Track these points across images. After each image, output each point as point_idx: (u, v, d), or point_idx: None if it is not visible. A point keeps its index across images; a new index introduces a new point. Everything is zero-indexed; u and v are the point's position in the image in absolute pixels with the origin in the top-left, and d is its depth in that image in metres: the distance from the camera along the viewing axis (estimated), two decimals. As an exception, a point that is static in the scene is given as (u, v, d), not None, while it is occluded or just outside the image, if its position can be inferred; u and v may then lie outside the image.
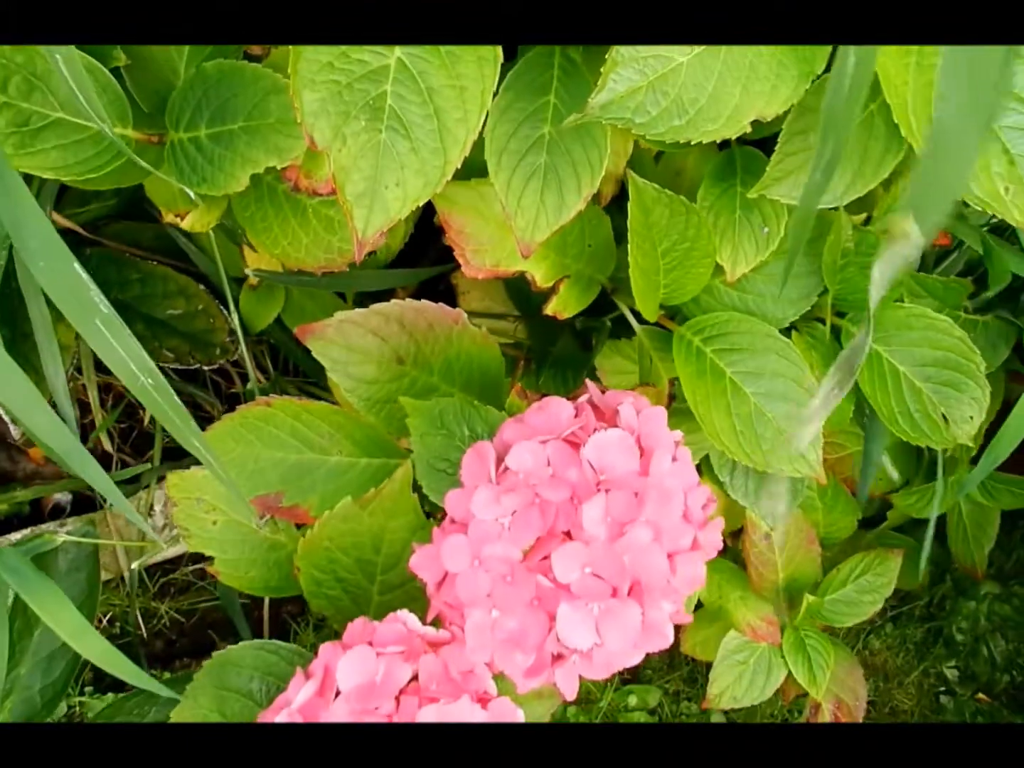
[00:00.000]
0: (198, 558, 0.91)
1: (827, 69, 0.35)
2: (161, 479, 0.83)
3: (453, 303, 0.66)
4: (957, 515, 0.70)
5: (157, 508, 0.85)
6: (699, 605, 0.69)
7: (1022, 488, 0.64)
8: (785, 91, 0.34)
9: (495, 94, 0.39)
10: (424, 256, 0.70)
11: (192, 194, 0.42)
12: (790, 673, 0.65)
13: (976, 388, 0.48)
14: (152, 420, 0.85)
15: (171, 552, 0.89)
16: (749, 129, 0.35)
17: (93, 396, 0.79)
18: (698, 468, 0.60)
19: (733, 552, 0.71)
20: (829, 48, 0.35)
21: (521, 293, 0.64)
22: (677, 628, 0.77)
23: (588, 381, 0.42)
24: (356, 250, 0.30)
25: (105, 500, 0.83)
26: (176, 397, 0.37)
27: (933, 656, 0.85)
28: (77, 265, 0.34)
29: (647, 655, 0.40)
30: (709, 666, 0.68)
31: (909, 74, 0.33)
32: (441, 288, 0.71)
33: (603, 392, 0.42)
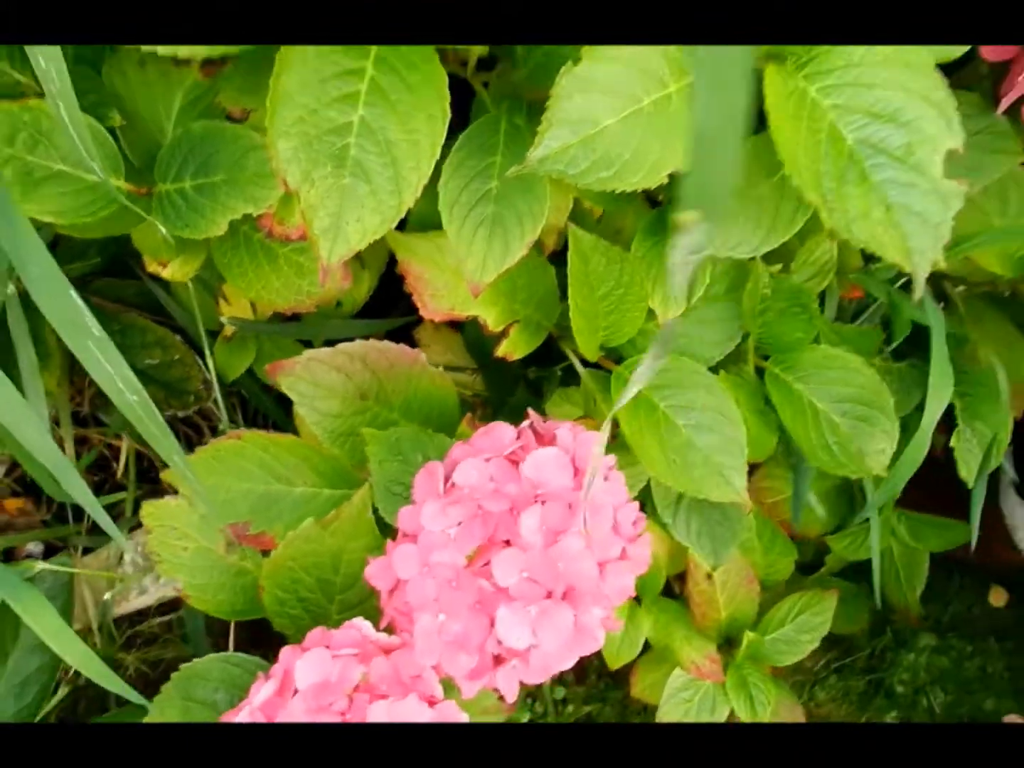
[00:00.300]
0: (166, 609, 0.93)
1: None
2: (132, 529, 0.86)
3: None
4: (889, 558, 0.74)
5: (127, 557, 0.87)
6: (648, 647, 0.72)
7: (945, 529, 0.69)
8: (667, 163, 0.40)
9: (448, 154, 0.45)
10: (392, 310, 0.75)
11: (174, 240, 0.47)
12: (733, 710, 0.68)
13: (887, 422, 0.52)
14: (125, 471, 0.87)
15: (139, 603, 0.90)
16: (666, 180, 0.40)
17: (69, 449, 0.82)
18: (643, 509, 0.64)
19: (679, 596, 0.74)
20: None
21: (478, 346, 0.69)
22: (628, 670, 0.80)
23: (530, 410, 0.46)
24: (320, 275, 0.34)
25: (77, 549, 0.86)
26: (159, 413, 0.41)
27: (875, 707, 0.88)
28: (73, 292, 0.38)
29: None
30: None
31: (800, 139, 0.39)
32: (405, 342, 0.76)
33: (544, 421, 0.46)
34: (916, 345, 0.58)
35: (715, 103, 0.18)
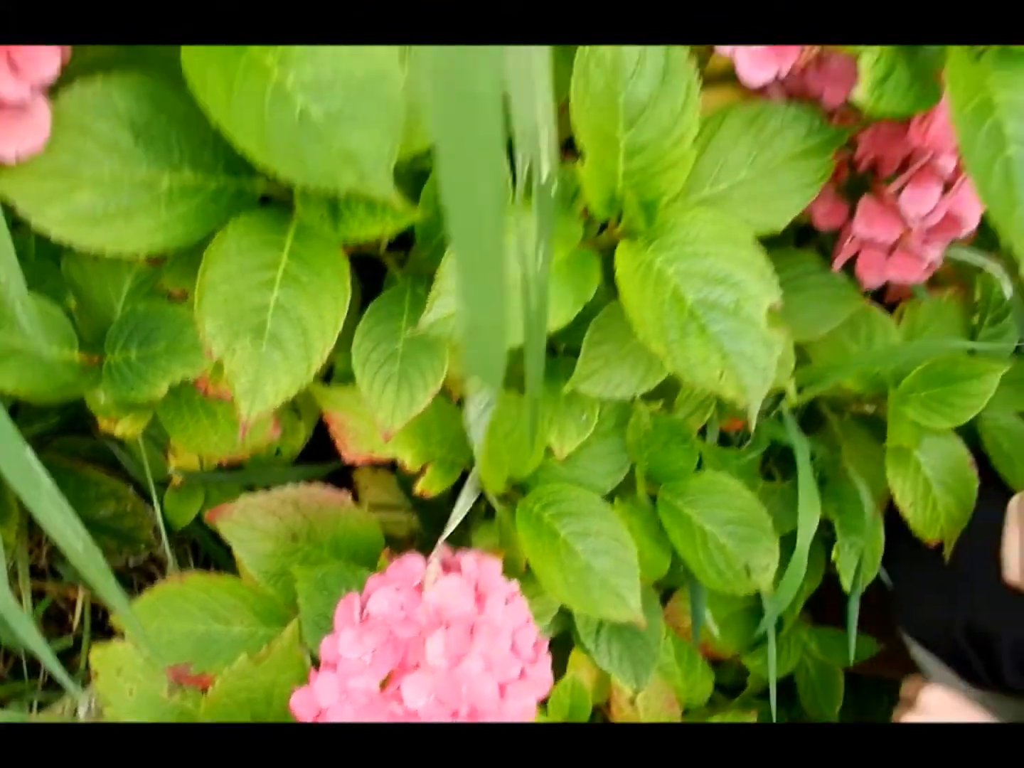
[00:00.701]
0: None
1: (594, 298, 0.49)
2: (87, 683, 0.88)
3: (355, 498, 0.76)
4: (805, 675, 0.78)
5: (81, 711, 0.88)
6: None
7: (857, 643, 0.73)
8: (565, 311, 0.48)
9: (361, 319, 0.52)
10: (332, 453, 0.81)
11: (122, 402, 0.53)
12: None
13: (768, 541, 0.58)
14: (80, 623, 0.90)
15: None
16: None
17: (27, 600, 0.85)
18: (568, 638, 0.68)
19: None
20: (596, 281, 0.49)
21: (409, 486, 0.75)
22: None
23: (441, 542, 0.51)
24: (241, 431, 0.41)
25: (32, 704, 0.87)
26: (103, 560, 0.46)
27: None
28: (28, 451, 0.44)
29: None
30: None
31: (647, 301, 0.47)
32: (344, 486, 0.81)
33: (454, 554, 0.52)
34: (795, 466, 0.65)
35: (478, 306, 0.24)
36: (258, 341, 0.42)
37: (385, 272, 0.57)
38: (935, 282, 0.74)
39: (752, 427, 0.44)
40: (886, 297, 0.70)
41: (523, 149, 0.30)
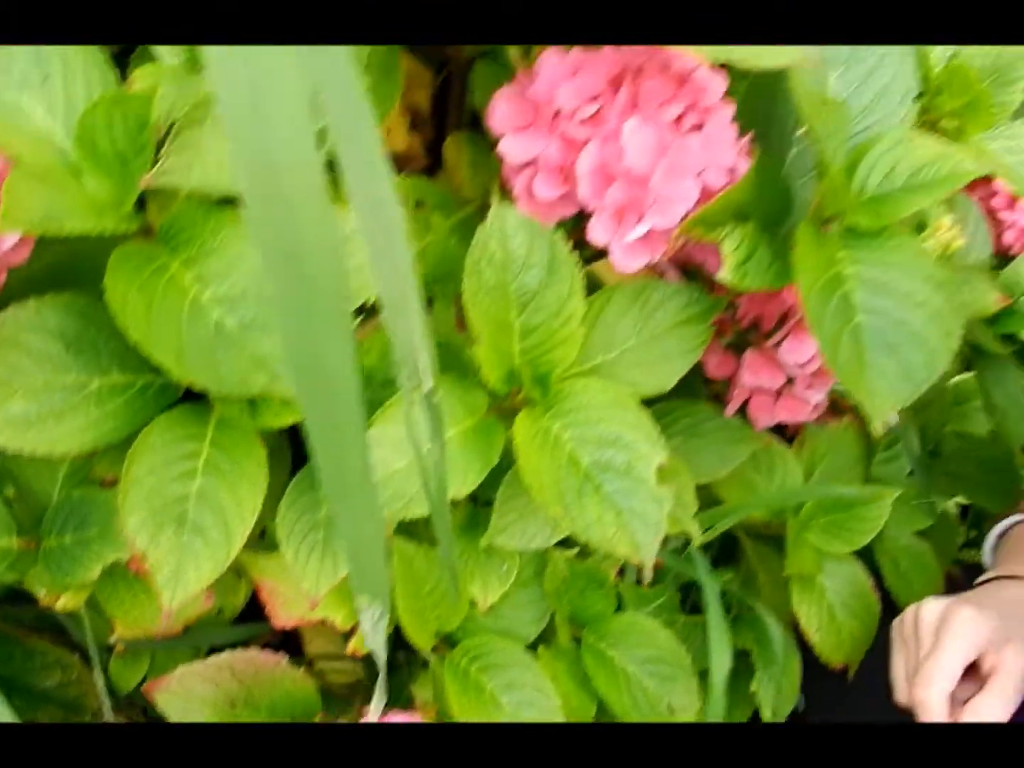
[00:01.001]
0: None
1: (502, 458, 0.53)
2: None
3: (300, 648, 0.78)
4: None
5: None
6: None
7: None
8: (472, 477, 0.51)
9: (285, 493, 0.55)
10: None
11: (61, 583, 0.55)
12: None
13: (688, 678, 0.61)
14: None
15: None
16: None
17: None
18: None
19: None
20: (500, 447, 0.53)
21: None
22: None
23: (374, 705, 0.53)
24: (162, 619, 0.43)
25: None
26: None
27: None
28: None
29: None
30: None
31: (544, 465, 0.51)
32: (290, 639, 0.83)
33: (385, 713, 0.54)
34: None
35: (353, 531, 0.27)
36: (180, 530, 0.46)
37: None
38: (835, 409, 0.80)
39: (647, 580, 0.48)
40: (787, 429, 0.75)
41: (405, 369, 0.34)
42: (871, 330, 0.49)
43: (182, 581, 0.45)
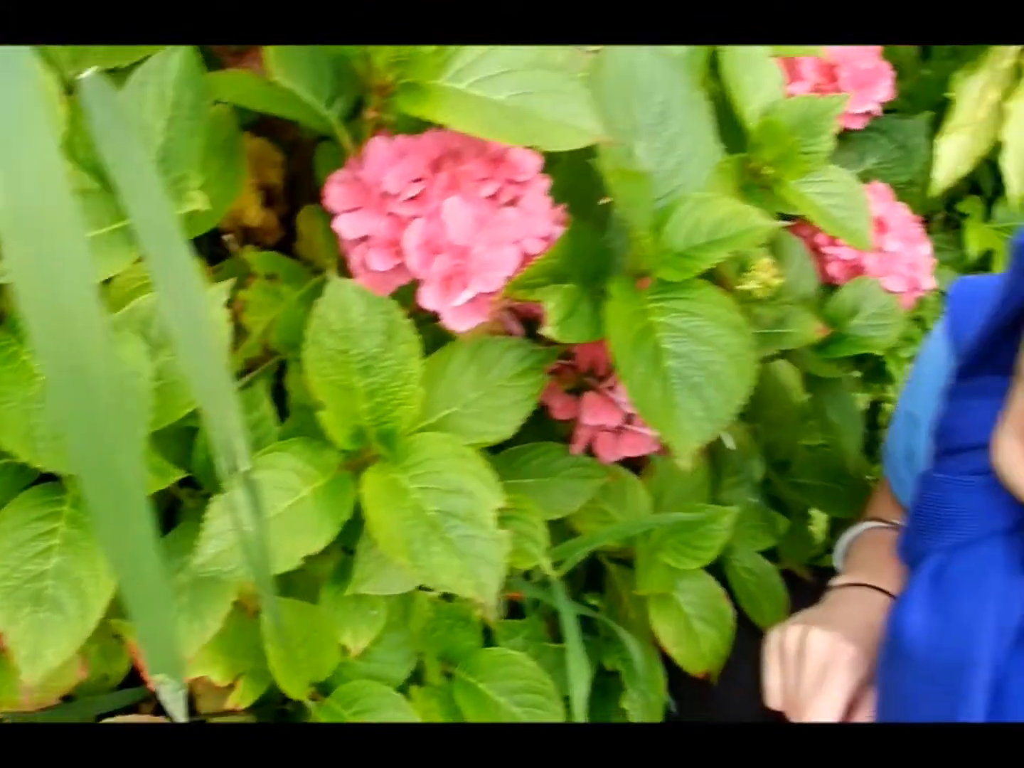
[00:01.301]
0: None
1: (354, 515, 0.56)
2: None
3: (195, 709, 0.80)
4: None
5: None
6: None
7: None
8: (325, 534, 0.55)
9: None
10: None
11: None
12: None
13: (555, 704, 0.65)
14: None
15: None
16: (302, 561, 0.54)
17: None
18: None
19: None
20: (351, 503, 0.56)
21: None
22: None
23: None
24: (24, 696, 0.46)
25: None
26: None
27: None
28: None
29: None
30: None
31: (392, 517, 0.54)
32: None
33: None
34: (584, 623, 0.73)
35: (148, 626, 0.30)
36: (38, 608, 0.48)
37: (180, 504, 0.63)
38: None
39: (492, 619, 0.52)
40: (637, 459, 0.80)
41: (223, 455, 0.37)
42: (679, 374, 0.55)
43: (41, 658, 0.47)
